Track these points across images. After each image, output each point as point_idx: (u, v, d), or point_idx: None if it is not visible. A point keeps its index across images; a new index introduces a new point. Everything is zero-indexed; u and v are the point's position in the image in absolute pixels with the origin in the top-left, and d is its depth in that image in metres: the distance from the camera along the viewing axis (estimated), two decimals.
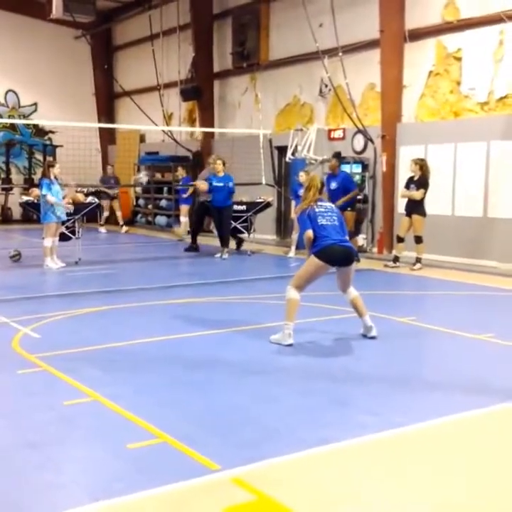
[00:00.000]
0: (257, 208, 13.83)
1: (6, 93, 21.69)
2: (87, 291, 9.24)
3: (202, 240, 14.45)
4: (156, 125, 18.12)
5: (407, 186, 11.57)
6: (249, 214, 13.72)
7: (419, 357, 6.49)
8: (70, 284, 10.00)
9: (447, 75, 12.64)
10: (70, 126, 14.90)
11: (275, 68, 16.29)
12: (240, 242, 14.17)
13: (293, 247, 13.10)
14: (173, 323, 7.30)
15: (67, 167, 13.28)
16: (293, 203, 13.21)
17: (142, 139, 21.47)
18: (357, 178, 13.76)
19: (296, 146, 14.57)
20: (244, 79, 17.45)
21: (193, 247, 13.94)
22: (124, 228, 18.19)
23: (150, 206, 19.79)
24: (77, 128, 14.95)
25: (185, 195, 16.26)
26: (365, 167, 13.99)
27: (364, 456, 3.92)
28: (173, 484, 3.46)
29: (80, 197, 12.65)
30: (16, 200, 17.44)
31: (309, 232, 6.42)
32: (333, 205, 6.84)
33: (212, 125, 18.02)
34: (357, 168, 14.03)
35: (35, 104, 22.05)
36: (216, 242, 13.68)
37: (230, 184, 12.90)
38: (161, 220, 19.26)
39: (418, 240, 11.43)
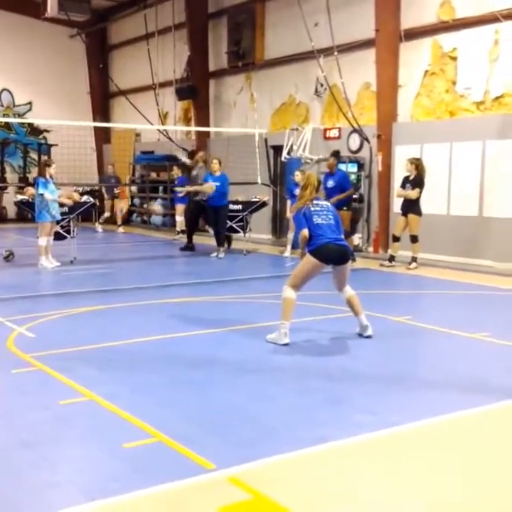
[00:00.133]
0: (252, 207, 13.80)
1: (1, 92, 21.63)
2: (83, 290, 9.21)
3: (197, 239, 14.44)
4: (152, 124, 18.10)
5: (403, 186, 11.58)
6: (244, 213, 13.71)
7: (415, 356, 6.49)
8: (65, 283, 9.98)
9: (443, 74, 12.65)
10: (64, 125, 14.83)
11: (271, 67, 16.28)
12: (229, 240, 14.13)
13: (289, 247, 13.10)
14: (170, 323, 7.29)
15: (62, 166, 13.21)
16: (288, 202, 13.22)
17: (137, 138, 21.44)
18: (353, 177, 13.76)
19: (291, 146, 14.56)
20: (240, 78, 17.44)
21: (189, 247, 13.93)
22: (121, 229, 18.15)
23: (145, 206, 19.78)
24: (72, 127, 14.90)
25: (180, 195, 16.23)
26: (360, 166, 13.99)
27: (360, 455, 3.93)
28: (169, 483, 3.46)
29: (75, 196, 12.62)
30: (10, 199, 17.43)
31: (305, 231, 6.43)
32: (329, 204, 6.83)
33: (207, 124, 18.00)
34: (352, 168, 14.03)
35: (30, 103, 21.99)
36: (212, 241, 13.67)
37: (219, 184, 12.84)
38: (157, 219, 19.25)
39: (414, 239, 11.44)
